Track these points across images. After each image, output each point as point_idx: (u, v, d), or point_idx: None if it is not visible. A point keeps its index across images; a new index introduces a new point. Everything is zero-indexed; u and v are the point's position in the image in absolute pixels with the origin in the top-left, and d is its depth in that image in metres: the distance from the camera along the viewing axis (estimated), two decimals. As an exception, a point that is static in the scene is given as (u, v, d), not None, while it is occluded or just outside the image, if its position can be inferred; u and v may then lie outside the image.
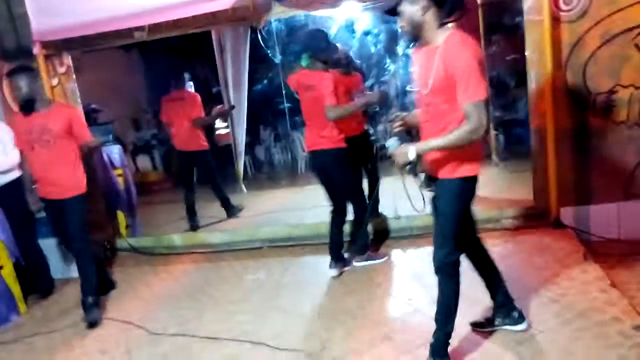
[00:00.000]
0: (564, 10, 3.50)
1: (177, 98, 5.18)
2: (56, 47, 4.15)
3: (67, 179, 3.39)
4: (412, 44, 2.35)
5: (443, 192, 2.25)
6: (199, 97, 5.42)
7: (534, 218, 3.84)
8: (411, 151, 2.14)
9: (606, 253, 3.36)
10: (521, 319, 2.57)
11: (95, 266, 3.59)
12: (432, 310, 2.32)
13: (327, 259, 3.64)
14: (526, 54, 3.67)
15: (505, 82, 6.85)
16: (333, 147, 3.42)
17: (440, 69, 2.08)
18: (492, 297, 2.59)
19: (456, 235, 2.25)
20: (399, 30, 2.37)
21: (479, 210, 4.05)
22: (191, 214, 5.25)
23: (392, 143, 2.26)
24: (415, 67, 2.31)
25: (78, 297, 3.77)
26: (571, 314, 2.66)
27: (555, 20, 3.50)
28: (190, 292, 3.71)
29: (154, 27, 4.06)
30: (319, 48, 3.40)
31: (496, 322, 2.60)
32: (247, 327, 3.05)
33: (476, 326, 2.65)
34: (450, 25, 2.15)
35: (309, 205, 5.06)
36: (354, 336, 2.78)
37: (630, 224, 3.58)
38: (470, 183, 2.22)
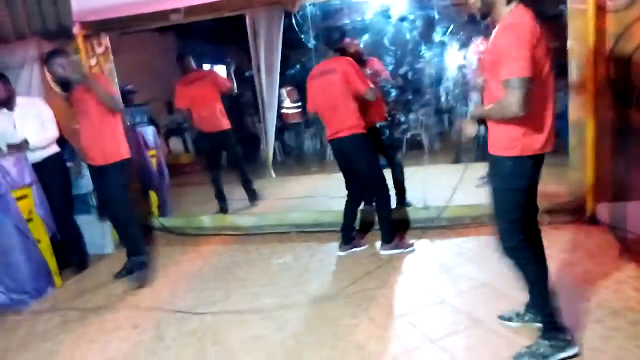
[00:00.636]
0: (609, -1, 3.37)
1: (192, 80, 4.98)
2: (94, 28, 4.23)
3: (107, 146, 3.59)
4: (481, 21, 2.30)
5: (497, 170, 2.24)
6: (215, 73, 5.34)
7: (569, 213, 3.75)
8: (471, 114, 2.27)
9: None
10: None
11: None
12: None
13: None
14: (568, 43, 3.55)
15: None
16: (356, 132, 3.58)
17: (491, 49, 2.10)
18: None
19: (519, 219, 2.20)
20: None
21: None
22: (220, 197, 5.29)
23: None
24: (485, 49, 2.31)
25: (111, 272, 3.91)
26: (603, 312, 2.59)
27: (600, 9, 3.38)
28: (219, 273, 3.78)
29: (190, 10, 4.11)
30: (334, 39, 3.70)
31: (527, 318, 2.56)
32: (273, 310, 3.09)
33: (504, 319, 2.61)
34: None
35: (336, 192, 5.05)
36: (378, 324, 2.79)
37: None
38: (525, 162, 2.14)
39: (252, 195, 5.44)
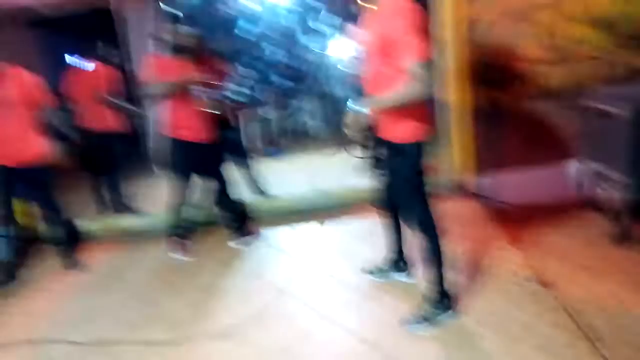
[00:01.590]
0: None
1: (78, 73, 4.65)
2: None
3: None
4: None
5: (401, 155, 2.34)
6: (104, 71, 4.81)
7: (446, 189, 4.02)
8: (360, 108, 2.16)
9: (510, 217, 3.54)
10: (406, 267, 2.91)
11: None
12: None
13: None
14: (437, 30, 3.78)
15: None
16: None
17: (379, 32, 2.13)
18: (396, 251, 2.88)
19: (422, 196, 2.38)
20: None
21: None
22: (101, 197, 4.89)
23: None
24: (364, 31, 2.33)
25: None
26: (473, 270, 2.88)
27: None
28: (104, 281, 3.55)
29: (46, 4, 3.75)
30: None
31: (386, 270, 2.93)
32: (165, 312, 3.00)
33: (366, 272, 2.98)
34: None
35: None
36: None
37: (529, 189, 3.75)
38: (423, 145, 2.31)
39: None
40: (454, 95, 3.82)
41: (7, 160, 3.37)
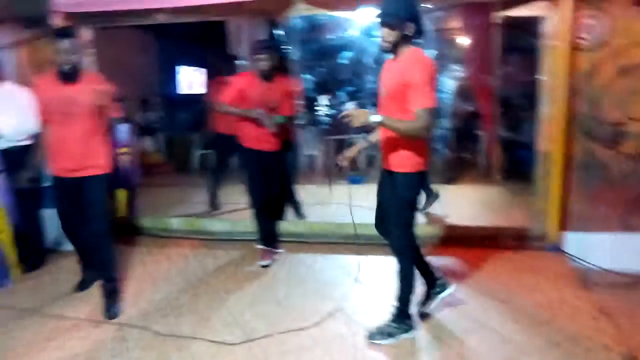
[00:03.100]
0: (583, 39, 3.55)
1: (223, 82, 5.14)
2: (77, 20, 4.15)
3: (89, 156, 3.16)
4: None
5: (398, 184, 2.64)
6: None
7: (531, 240, 3.88)
8: (374, 116, 2.46)
9: (599, 282, 3.41)
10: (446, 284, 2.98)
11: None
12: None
13: (321, 257, 3.84)
14: (541, 77, 3.72)
15: (513, 103, 6.90)
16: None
17: (398, 78, 2.49)
18: (427, 277, 2.96)
19: (411, 222, 2.71)
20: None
21: (477, 226, 4.11)
22: (213, 197, 5.33)
23: (350, 106, 2.49)
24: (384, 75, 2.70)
25: (71, 270, 3.79)
26: (560, 337, 2.70)
27: (573, 48, 3.55)
28: (186, 277, 3.73)
29: (176, 10, 4.07)
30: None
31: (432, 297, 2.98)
32: (238, 315, 3.08)
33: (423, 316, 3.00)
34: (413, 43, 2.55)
35: (311, 203, 5.08)
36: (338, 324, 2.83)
37: (623, 255, 3.61)
38: (419, 176, 2.64)
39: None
40: (553, 145, 3.69)
41: (73, 171, 3.16)
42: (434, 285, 2.97)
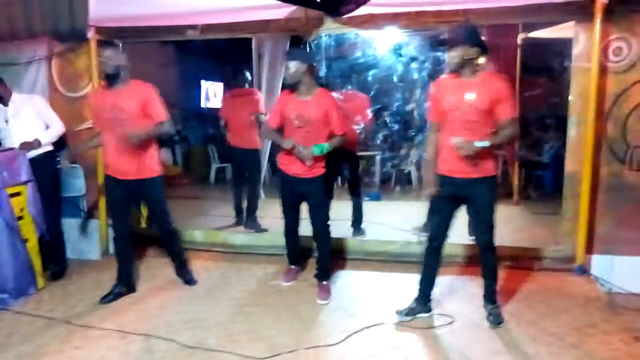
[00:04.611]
0: (612, 61, 3.56)
1: (237, 95, 5.25)
2: (109, 34, 4.25)
3: (142, 160, 3.42)
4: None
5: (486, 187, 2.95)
6: (258, 93, 5.52)
7: (559, 261, 3.84)
8: (479, 142, 2.77)
9: (627, 305, 3.36)
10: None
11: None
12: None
13: (346, 272, 3.83)
14: (570, 99, 3.72)
15: (534, 124, 6.88)
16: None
17: (488, 93, 2.81)
18: (427, 291, 3.20)
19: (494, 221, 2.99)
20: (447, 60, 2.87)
21: (501, 246, 4.08)
22: (238, 211, 5.34)
23: (458, 140, 2.84)
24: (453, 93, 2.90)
25: (95, 279, 3.83)
26: (592, 361, 2.66)
27: (603, 70, 3.56)
28: (209, 289, 3.74)
29: (207, 27, 4.15)
30: None
31: (417, 310, 3.19)
32: (265, 330, 3.08)
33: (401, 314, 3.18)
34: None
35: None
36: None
37: None
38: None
39: (250, 219, 5.26)
40: (581, 166, 3.67)
41: (127, 174, 3.42)
42: (427, 301, 3.21)
